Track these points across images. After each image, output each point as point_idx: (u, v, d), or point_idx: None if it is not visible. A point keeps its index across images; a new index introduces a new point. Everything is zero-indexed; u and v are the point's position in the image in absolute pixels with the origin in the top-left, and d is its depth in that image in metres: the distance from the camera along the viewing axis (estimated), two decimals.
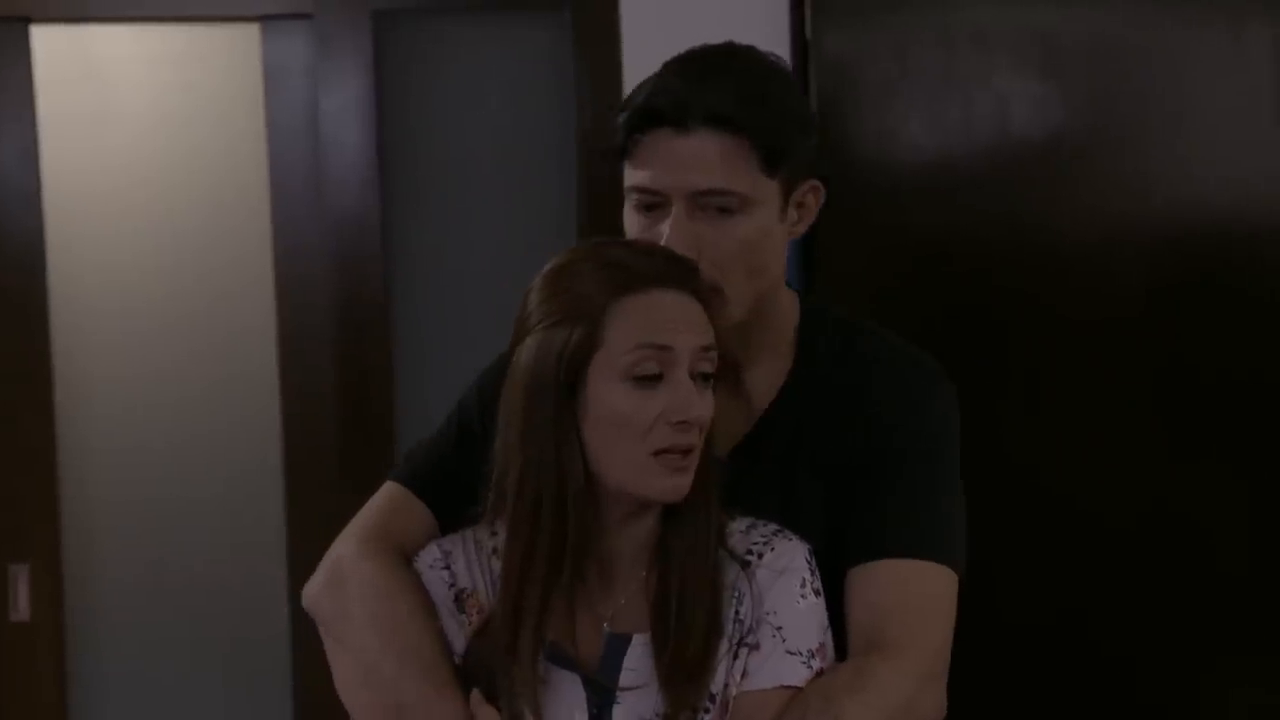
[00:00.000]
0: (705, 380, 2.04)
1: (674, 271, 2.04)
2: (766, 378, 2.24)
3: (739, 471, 2.16)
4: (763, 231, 2.16)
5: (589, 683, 2.06)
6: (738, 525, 2.11)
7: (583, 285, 2.01)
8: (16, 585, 3.85)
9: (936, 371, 2.27)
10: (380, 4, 3.83)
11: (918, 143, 3.47)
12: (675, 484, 2.02)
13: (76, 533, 3.95)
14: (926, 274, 3.48)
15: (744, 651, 2.05)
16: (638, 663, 2.05)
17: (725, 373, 2.09)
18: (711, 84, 2.13)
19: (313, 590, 2.22)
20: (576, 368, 2.00)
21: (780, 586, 2.07)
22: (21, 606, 3.85)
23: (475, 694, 2.03)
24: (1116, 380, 3.44)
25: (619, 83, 3.68)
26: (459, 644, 2.10)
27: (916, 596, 2.12)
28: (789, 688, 2.04)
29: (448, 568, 2.14)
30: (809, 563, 2.09)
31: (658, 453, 2.01)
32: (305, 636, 3.74)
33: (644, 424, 2.00)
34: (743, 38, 2.25)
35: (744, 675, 2.05)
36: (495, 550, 2.11)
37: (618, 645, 2.06)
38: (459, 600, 2.13)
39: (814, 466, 2.20)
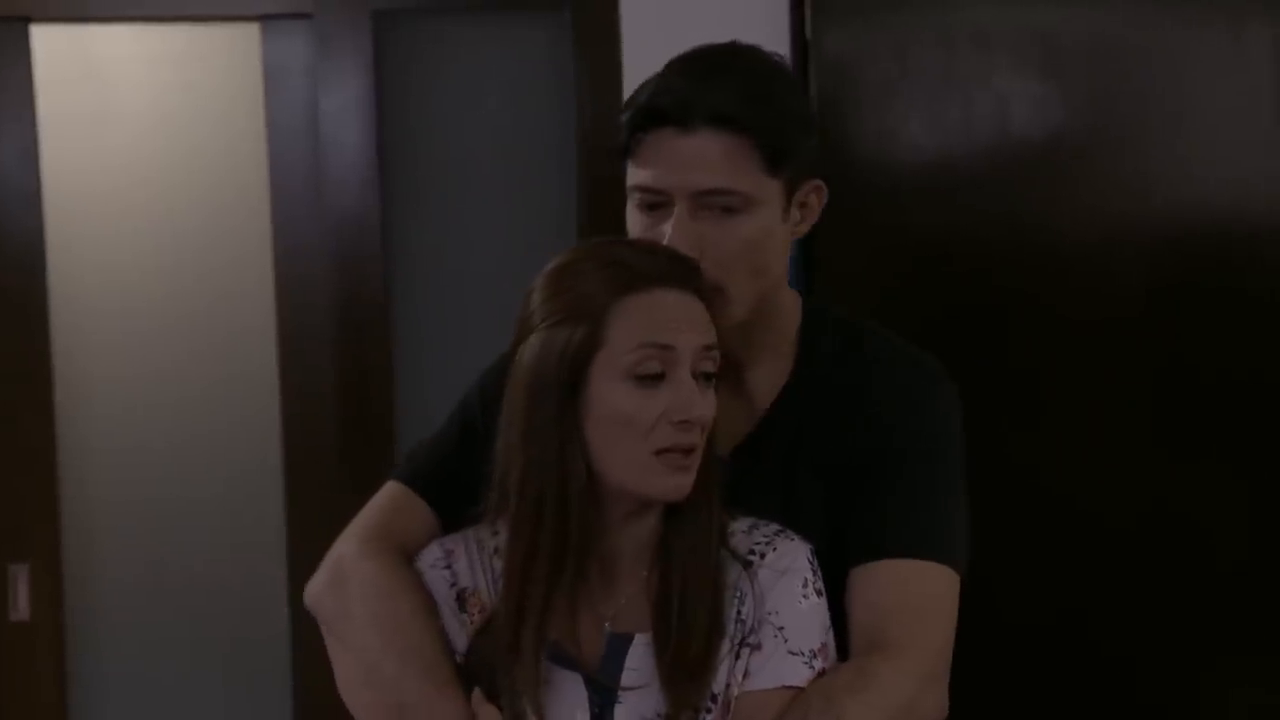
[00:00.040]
0: (707, 380, 2.04)
1: (676, 271, 2.04)
2: (768, 377, 2.24)
3: (740, 471, 2.16)
4: (765, 231, 2.16)
5: (590, 682, 2.06)
6: (739, 525, 2.12)
7: (585, 284, 2.01)
8: (16, 585, 3.84)
9: (938, 372, 2.27)
10: (380, 4, 3.82)
11: (918, 143, 3.47)
12: (677, 483, 2.02)
13: (76, 532, 3.95)
14: (927, 274, 3.48)
15: (746, 651, 2.05)
16: (639, 662, 2.05)
17: (727, 372, 2.10)
18: (715, 83, 2.13)
19: (314, 589, 2.23)
20: (579, 367, 2.00)
21: (782, 587, 2.07)
22: (21, 606, 3.85)
23: (477, 693, 2.04)
24: (1116, 380, 3.44)
25: (619, 83, 3.68)
26: (460, 643, 2.11)
27: (917, 596, 2.13)
28: (791, 688, 2.04)
29: (449, 567, 2.14)
30: (811, 563, 2.10)
31: (659, 452, 2.01)
32: (305, 636, 3.75)
33: (646, 423, 2.00)
34: (743, 37, 2.26)
35: (746, 675, 2.05)
36: (497, 550, 2.11)
37: (619, 645, 2.07)
38: (460, 599, 2.13)
39: (815, 466, 2.20)
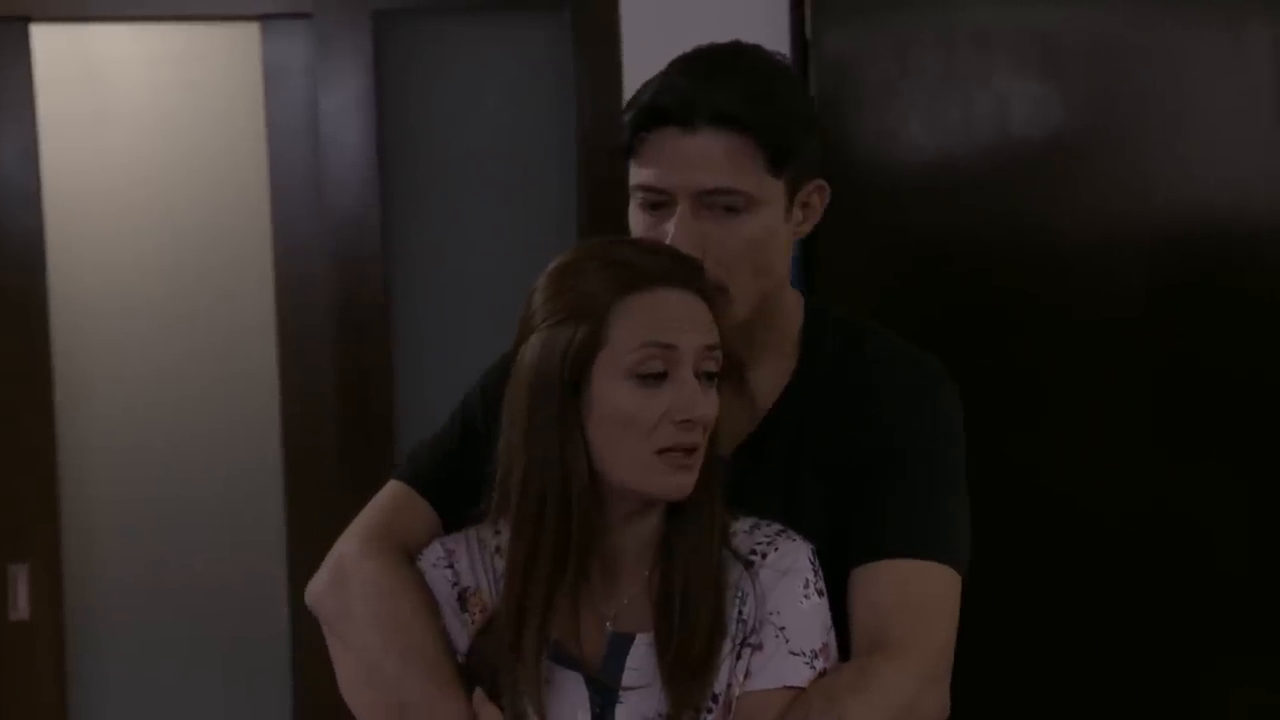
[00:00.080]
0: (710, 379, 2.04)
1: (679, 270, 2.04)
2: (771, 377, 2.24)
3: (743, 471, 2.16)
4: (768, 231, 2.16)
5: (592, 682, 2.06)
6: (741, 525, 2.11)
7: (587, 284, 2.01)
8: (16, 585, 3.84)
9: (939, 372, 2.27)
10: (380, 4, 3.82)
11: (918, 143, 3.47)
12: (679, 482, 2.02)
13: (76, 532, 3.95)
14: (927, 274, 3.48)
15: (747, 652, 2.05)
16: (641, 662, 2.05)
17: (730, 372, 2.09)
18: (718, 83, 2.13)
19: (316, 589, 2.22)
20: (581, 366, 2.00)
21: (784, 587, 2.07)
22: (21, 606, 3.85)
23: (478, 693, 2.03)
24: (1117, 380, 3.44)
25: (619, 83, 3.68)
26: (462, 643, 2.10)
27: (918, 596, 2.12)
28: (792, 688, 2.04)
29: (451, 566, 2.14)
30: (812, 563, 2.09)
31: (661, 451, 2.01)
32: (305, 636, 3.76)
33: (648, 423, 2.00)
34: (742, 37, 2.25)
35: (747, 675, 2.05)
36: (498, 549, 2.11)
37: (621, 644, 2.07)
38: (462, 599, 2.13)
39: (817, 466, 2.20)
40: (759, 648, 2.05)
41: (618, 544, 2.08)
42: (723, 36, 2.26)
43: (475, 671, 2.07)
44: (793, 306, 2.28)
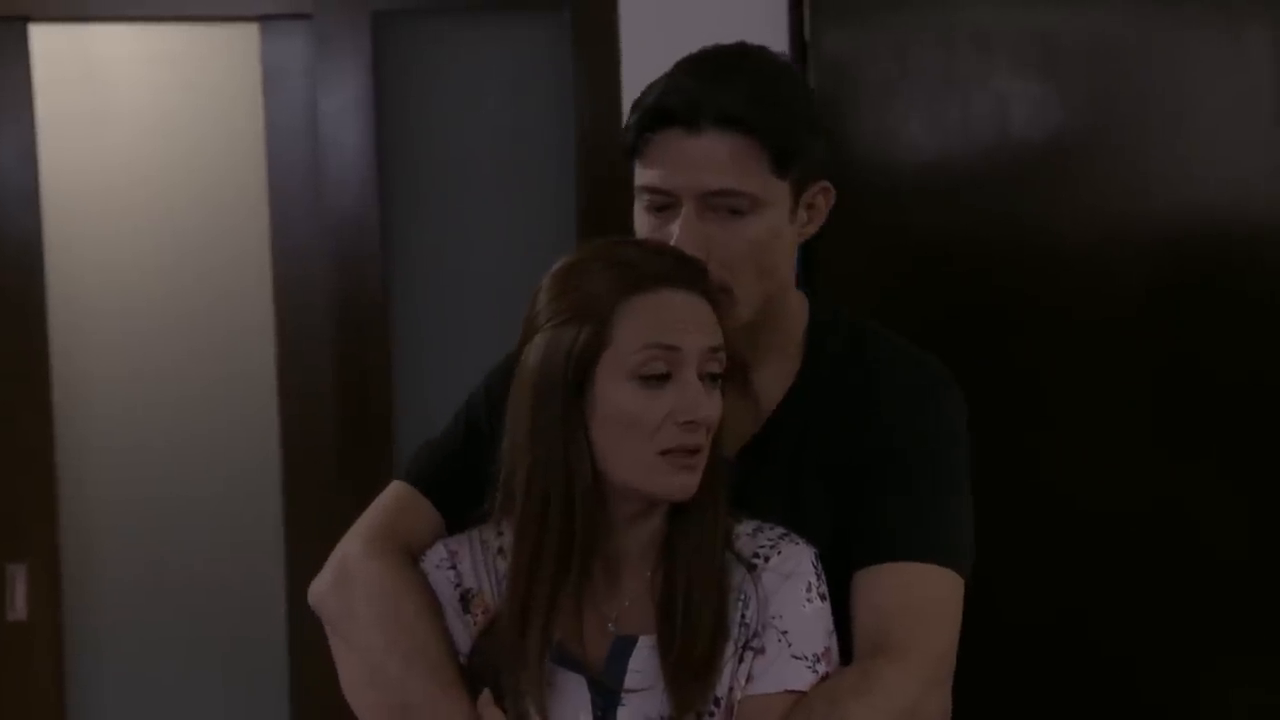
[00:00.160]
0: (713, 381, 2.04)
1: (683, 272, 2.04)
2: (775, 379, 2.24)
3: (746, 472, 2.16)
4: (773, 232, 2.16)
5: (594, 684, 2.06)
6: (744, 528, 2.11)
7: (592, 284, 2.01)
8: (14, 585, 3.84)
9: (943, 374, 2.27)
10: (380, 4, 3.82)
11: (918, 143, 3.47)
12: (683, 482, 2.02)
13: (75, 532, 3.95)
14: (926, 274, 3.48)
15: (749, 655, 2.05)
16: (643, 664, 2.05)
17: (734, 373, 2.09)
18: (723, 84, 2.13)
19: (319, 589, 2.22)
20: (585, 366, 2.01)
21: (786, 590, 2.07)
22: (19, 606, 3.84)
23: (485, 694, 2.03)
24: (1116, 380, 3.44)
25: (618, 83, 3.68)
26: (464, 645, 2.11)
27: (920, 600, 2.12)
28: (794, 692, 2.04)
29: (454, 568, 2.14)
30: (815, 566, 2.09)
31: (665, 452, 2.01)
32: (304, 636, 3.76)
33: (651, 424, 2.00)
34: (741, 38, 2.26)
35: (749, 679, 2.05)
36: (501, 550, 2.12)
37: (623, 647, 2.07)
38: (464, 600, 2.13)
39: (819, 468, 2.20)
40: (761, 651, 2.05)
41: (621, 545, 2.08)
42: (722, 37, 2.26)
43: (477, 673, 2.07)
44: (797, 308, 2.28)
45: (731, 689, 2.04)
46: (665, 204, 2.15)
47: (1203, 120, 3.41)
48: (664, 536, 2.08)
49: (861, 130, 3.48)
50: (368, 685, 2.13)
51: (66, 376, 3.93)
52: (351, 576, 2.18)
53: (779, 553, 2.09)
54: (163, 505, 4.02)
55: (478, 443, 2.21)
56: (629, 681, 2.05)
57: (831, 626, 2.09)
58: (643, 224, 2.18)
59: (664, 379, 2.01)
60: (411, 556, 2.18)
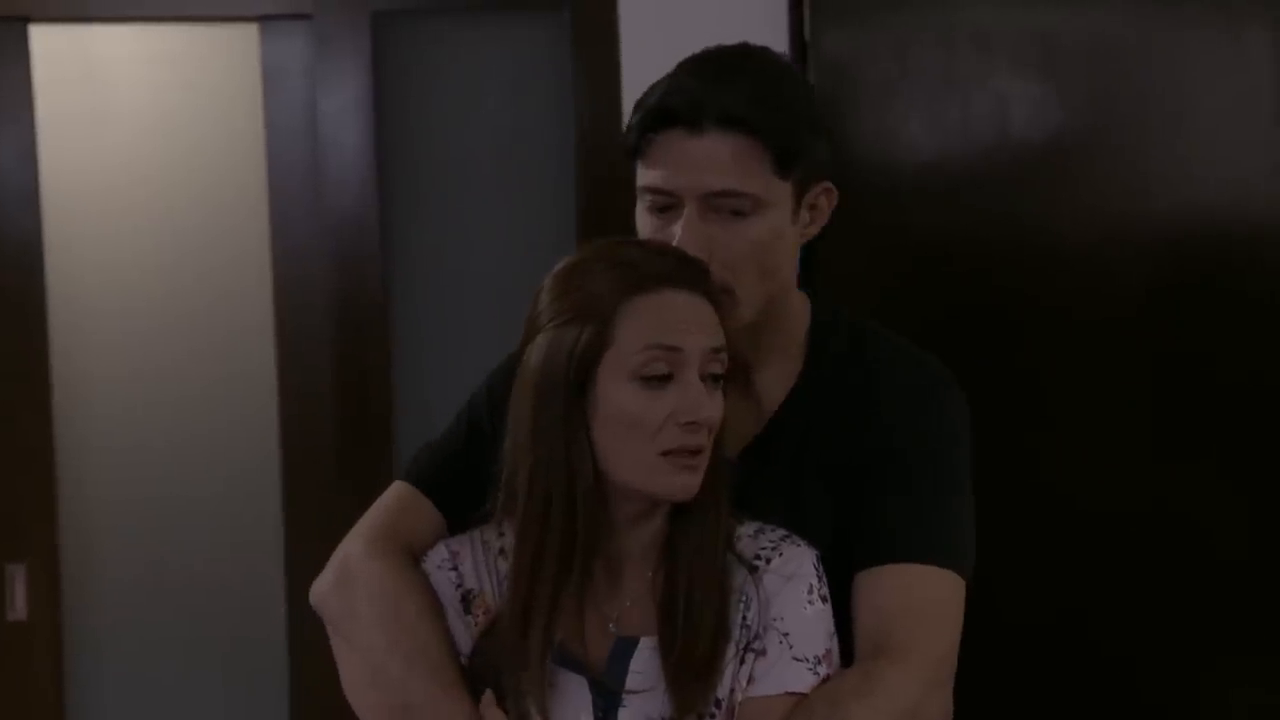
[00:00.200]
0: (715, 381, 2.04)
1: (685, 272, 2.03)
2: (777, 380, 2.24)
3: (748, 473, 2.16)
4: (775, 233, 2.16)
5: (595, 685, 2.06)
6: (746, 530, 2.11)
7: (594, 284, 2.01)
8: (14, 585, 3.84)
9: (942, 374, 2.27)
10: (379, 4, 3.82)
11: (918, 143, 3.47)
12: (684, 483, 2.02)
13: (74, 532, 3.95)
14: (926, 274, 3.48)
15: (750, 657, 2.05)
16: (644, 665, 2.05)
17: (736, 374, 2.09)
18: (725, 85, 2.13)
19: (321, 589, 2.22)
20: (586, 367, 2.00)
21: (788, 592, 2.07)
22: (19, 606, 3.84)
23: (488, 695, 2.03)
24: (1116, 380, 3.44)
25: (618, 83, 3.68)
26: (465, 646, 2.10)
27: (921, 601, 2.12)
28: (795, 694, 2.04)
29: (455, 568, 2.14)
30: (816, 568, 2.09)
31: (666, 453, 2.01)
32: (304, 636, 3.76)
33: (653, 424, 2.00)
34: (741, 38, 2.25)
35: (750, 681, 2.05)
36: (503, 551, 2.11)
37: (624, 648, 2.07)
38: (466, 601, 2.13)
39: (821, 468, 2.20)
40: (762, 653, 2.05)
41: (622, 545, 2.08)
42: (721, 37, 2.26)
43: (478, 674, 2.07)
44: (799, 309, 2.28)
45: (733, 690, 2.04)
46: (667, 205, 2.15)
47: (1203, 120, 3.41)
48: (665, 537, 2.08)
49: (861, 130, 3.48)
50: (369, 686, 2.13)
51: (66, 376, 3.93)
52: (353, 577, 2.17)
53: (781, 554, 2.09)
54: (163, 505, 4.02)
55: (479, 443, 2.21)
56: (630, 683, 2.05)
57: (833, 629, 2.09)
58: (645, 225, 2.18)
59: (666, 379, 2.00)
60: (413, 557, 2.17)
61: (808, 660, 2.05)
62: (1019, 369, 3.45)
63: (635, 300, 2.00)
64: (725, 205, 2.13)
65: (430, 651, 2.08)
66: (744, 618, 2.06)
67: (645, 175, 2.16)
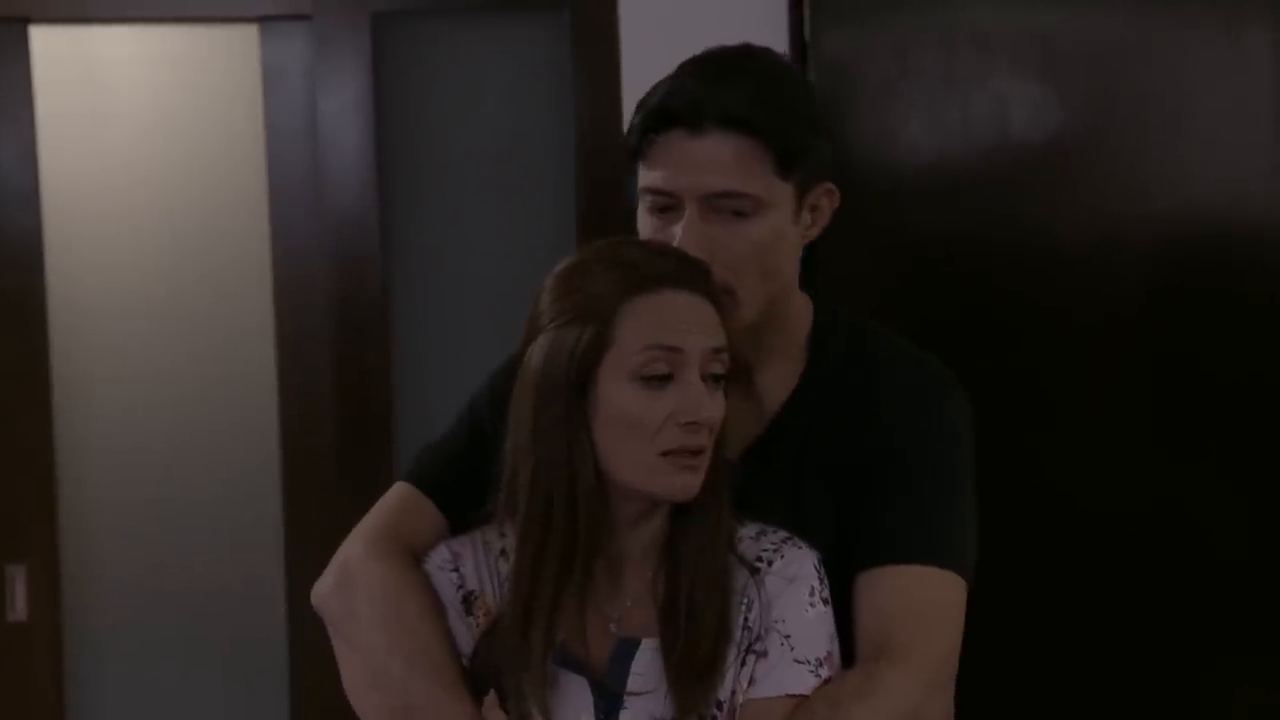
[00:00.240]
0: (716, 382, 2.03)
1: (686, 273, 2.03)
2: (778, 380, 2.24)
3: (749, 474, 2.16)
4: (776, 234, 2.16)
5: (596, 686, 2.06)
6: (747, 531, 2.11)
7: (594, 285, 2.01)
8: (14, 585, 3.84)
9: (943, 375, 2.26)
10: (379, 5, 3.82)
11: (918, 143, 3.47)
12: (685, 483, 2.02)
13: (74, 533, 3.95)
14: (927, 275, 3.48)
15: (751, 659, 2.05)
16: (646, 667, 2.05)
17: (737, 375, 2.09)
18: (726, 85, 2.13)
19: (322, 590, 2.22)
20: (587, 367, 2.00)
21: (789, 594, 2.06)
22: (19, 607, 3.84)
23: (490, 696, 2.03)
24: (1116, 380, 3.44)
25: (617, 83, 3.68)
26: (466, 647, 2.10)
27: (922, 603, 2.12)
28: (796, 696, 2.04)
29: (457, 569, 2.14)
30: (818, 570, 2.09)
31: (667, 453, 2.01)
32: (304, 636, 3.76)
33: (653, 424, 2.00)
34: (740, 38, 2.25)
35: (751, 683, 2.05)
36: (504, 551, 2.11)
37: (626, 649, 2.06)
38: (467, 602, 2.13)
39: (822, 469, 2.20)
40: (763, 655, 2.05)
41: (623, 546, 2.08)
42: (721, 37, 2.26)
43: (480, 675, 2.07)
44: (801, 309, 2.28)
45: (734, 692, 2.04)
46: (668, 205, 2.15)
47: (1203, 120, 3.41)
48: (666, 538, 2.08)
49: (861, 130, 3.48)
50: (370, 686, 2.13)
51: (66, 377, 3.93)
52: (354, 578, 2.17)
53: (782, 556, 2.08)
54: (163, 506, 4.02)
55: (481, 444, 2.20)
56: (631, 684, 2.05)
57: (834, 631, 2.09)
58: (646, 226, 2.18)
59: (666, 380, 2.00)
60: (414, 558, 2.17)
61: (809, 662, 2.05)
62: (1019, 369, 3.45)
63: (636, 301, 2.00)
64: (726, 206, 2.12)
65: (432, 652, 2.08)
66: (746, 619, 2.06)
67: (646, 176, 2.16)
